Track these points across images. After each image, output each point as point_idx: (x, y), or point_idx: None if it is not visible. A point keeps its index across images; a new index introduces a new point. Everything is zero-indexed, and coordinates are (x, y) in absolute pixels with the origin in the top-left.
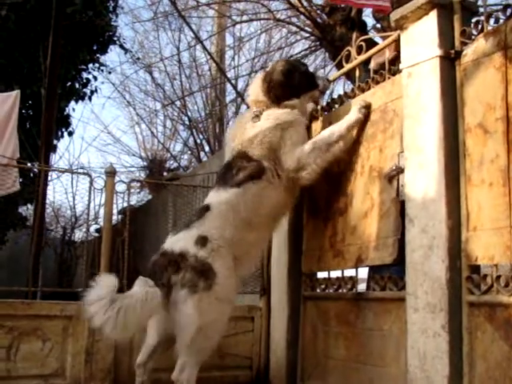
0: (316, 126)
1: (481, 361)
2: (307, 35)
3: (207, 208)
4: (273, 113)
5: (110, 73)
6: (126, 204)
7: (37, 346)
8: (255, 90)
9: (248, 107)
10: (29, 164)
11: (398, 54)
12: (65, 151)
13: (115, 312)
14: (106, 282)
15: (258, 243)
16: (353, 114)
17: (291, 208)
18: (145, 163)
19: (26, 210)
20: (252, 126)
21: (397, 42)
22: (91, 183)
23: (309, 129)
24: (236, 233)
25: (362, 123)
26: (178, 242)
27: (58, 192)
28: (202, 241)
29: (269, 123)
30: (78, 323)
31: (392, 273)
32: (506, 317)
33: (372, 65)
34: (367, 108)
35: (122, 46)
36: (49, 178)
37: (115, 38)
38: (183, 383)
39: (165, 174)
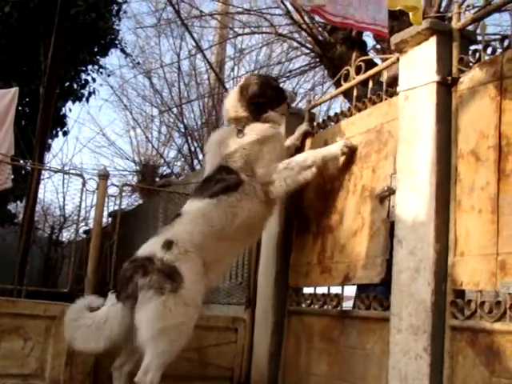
0: (310, 142)
1: None
2: (307, 51)
3: (178, 215)
4: (255, 127)
5: (109, 75)
6: (116, 207)
7: (18, 345)
8: (234, 107)
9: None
10: (22, 162)
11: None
12: (58, 151)
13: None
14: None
15: (231, 252)
16: (334, 148)
17: (268, 221)
18: (137, 168)
19: (16, 207)
20: (234, 142)
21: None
22: (84, 185)
23: (302, 145)
24: (206, 240)
25: (358, 143)
26: (148, 247)
27: (49, 191)
28: (168, 244)
29: (250, 138)
30: (60, 324)
31: (378, 293)
32: (487, 343)
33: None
34: (350, 149)
35: (122, 50)
36: (41, 176)
37: (116, 42)
38: None
39: (157, 179)
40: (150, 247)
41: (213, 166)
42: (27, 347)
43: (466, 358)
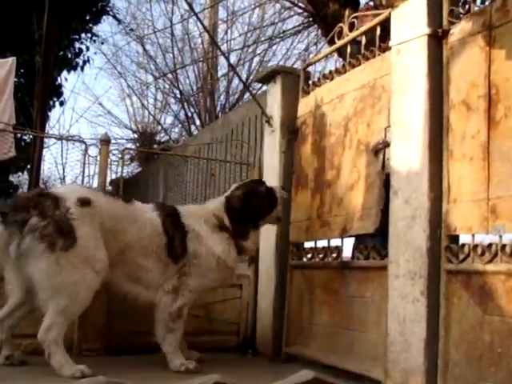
0: (307, 100)
1: (456, 325)
2: (300, 11)
3: None
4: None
5: (102, 43)
6: (117, 175)
7: None
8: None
9: None
10: (24, 131)
11: None
12: (56, 122)
13: None
14: None
15: None
16: None
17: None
18: (135, 135)
19: (18, 178)
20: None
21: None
22: (86, 150)
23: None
24: None
25: (353, 99)
26: (66, 188)
27: (48, 162)
28: (84, 201)
29: None
30: None
31: (376, 243)
32: (480, 284)
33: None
34: None
35: (114, 17)
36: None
37: (108, 9)
38: (50, 344)
39: (155, 146)
40: (68, 189)
41: None
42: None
43: (461, 299)
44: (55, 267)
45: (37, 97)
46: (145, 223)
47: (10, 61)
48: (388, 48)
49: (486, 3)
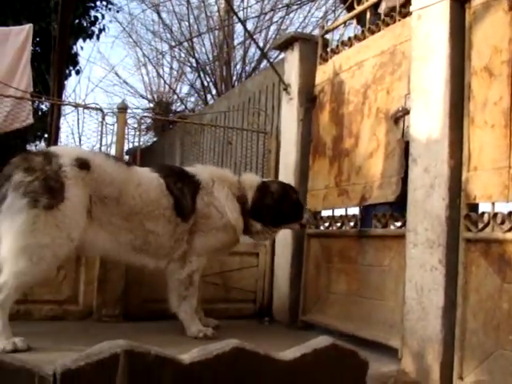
0: (325, 68)
1: (474, 293)
2: None
3: None
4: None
5: (118, 11)
6: (133, 145)
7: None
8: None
9: None
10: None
11: None
12: (72, 92)
13: None
14: None
15: None
16: None
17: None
18: (151, 105)
19: (36, 147)
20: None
21: None
22: (103, 118)
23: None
24: None
25: (372, 66)
26: (66, 147)
27: (64, 132)
28: (84, 163)
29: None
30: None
31: (393, 211)
32: (500, 252)
33: (383, 7)
34: None
35: None
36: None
37: None
38: None
39: (171, 115)
40: (66, 147)
41: None
42: (60, 275)
43: (479, 267)
44: (29, 225)
45: (54, 65)
46: (149, 185)
47: (27, 28)
48: (409, 13)
49: None
